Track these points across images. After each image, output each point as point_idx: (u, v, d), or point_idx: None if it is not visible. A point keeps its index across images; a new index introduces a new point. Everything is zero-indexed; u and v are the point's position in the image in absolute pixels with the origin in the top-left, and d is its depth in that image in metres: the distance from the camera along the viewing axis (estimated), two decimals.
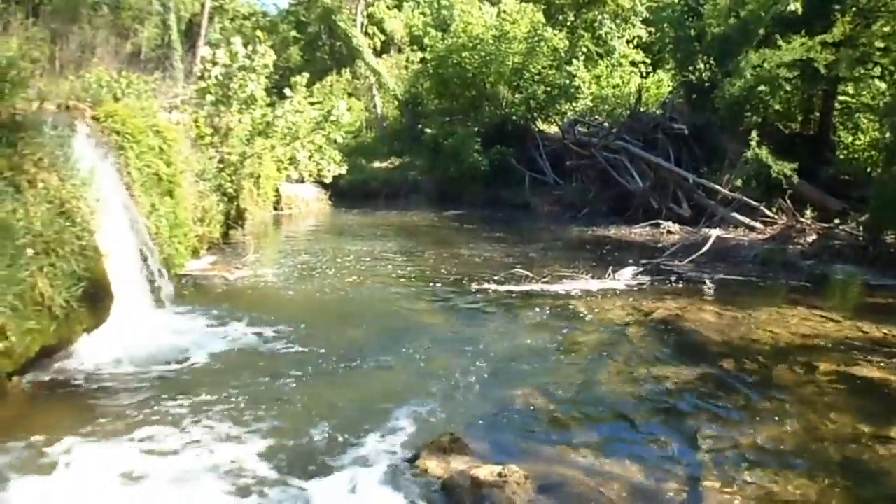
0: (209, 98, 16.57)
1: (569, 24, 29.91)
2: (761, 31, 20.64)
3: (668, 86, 27.67)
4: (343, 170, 21.51)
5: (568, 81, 27.60)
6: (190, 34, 32.29)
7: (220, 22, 38.18)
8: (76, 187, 8.02)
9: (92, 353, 8.24)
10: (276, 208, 23.00)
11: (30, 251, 6.95)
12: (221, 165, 15.77)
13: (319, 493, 5.61)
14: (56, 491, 5.56)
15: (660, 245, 17.51)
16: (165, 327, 9.36)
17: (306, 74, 20.16)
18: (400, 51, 39.96)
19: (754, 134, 19.39)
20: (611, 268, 13.60)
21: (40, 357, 7.41)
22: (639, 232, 19.90)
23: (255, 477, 5.82)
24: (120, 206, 9.43)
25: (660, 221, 20.22)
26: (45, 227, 7.29)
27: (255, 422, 6.78)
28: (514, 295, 12.01)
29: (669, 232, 19.51)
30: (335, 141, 20.49)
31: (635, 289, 12.54)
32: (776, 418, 7.13)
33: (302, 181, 23.67)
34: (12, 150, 7.27)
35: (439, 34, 30.40)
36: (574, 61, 27.86)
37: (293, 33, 44.61)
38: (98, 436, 6.41)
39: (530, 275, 13.01)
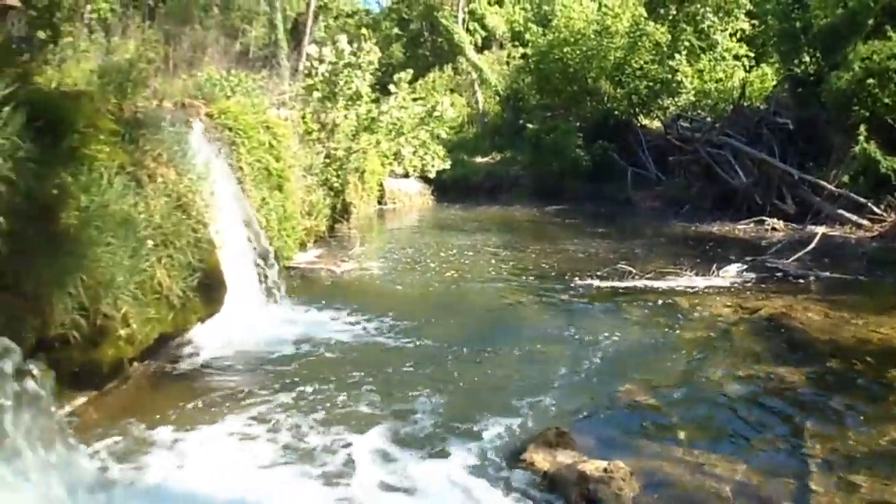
0: (316, 94, 16.87)
1: (671, 17, 29.27)
2: (870, 22, 19.80)
3: (773, 80, 26.81)
4: (447, 165, 21.61)
5: (670, 76, 27.05)
6: (295, 33, 32.94)
7: (324, 20, 38.81)
8: (192, 181, 8.28)
9: (205, 341, 8.57)
10: (380, 203, 23.27)
11: (150, 243, 7.21)
12: (328, 160, 16.02)
13: (426, 483, 5.66)
14: (169, 469, 5.79)
15: (764, 242, 17.03)
16: (275, 318, 9.62)
17: (410, 71, 20.31)
18: (501, 46, 39.87)
19: (862, 128, 18.58)
20: (715, 265, 13.30)
21: (158, 344, 7.69)
22: (742, 228, 19.39)
23: (360, 463, 5.93)
24: (232, 199, 9.69)
25: (764, 218, 19.63)
26: (164, 220, 7.55)
27: (362, 411, 6.91)
28: (617, 291, 11.89)
29: (774, 229, 18.93)
30: (439, 136, 20.58)
31: (739, 286, 12.24)
32: (888, 421, 6.85)
33: (406, 176, 23.87)
34: (134, 147, 7.54)
35: (540, 29, 30.24)
36: (676, 55, 27.26)
37: (395, 30, 44.95)
38: (209, 419, 6.67)
39: (633, 271, 12.82)
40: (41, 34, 7.04)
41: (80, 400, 6.68)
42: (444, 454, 6.09)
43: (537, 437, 6.18)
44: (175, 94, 10.16)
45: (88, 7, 15.95)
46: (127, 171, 7.18)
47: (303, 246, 13.49)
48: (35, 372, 5.27)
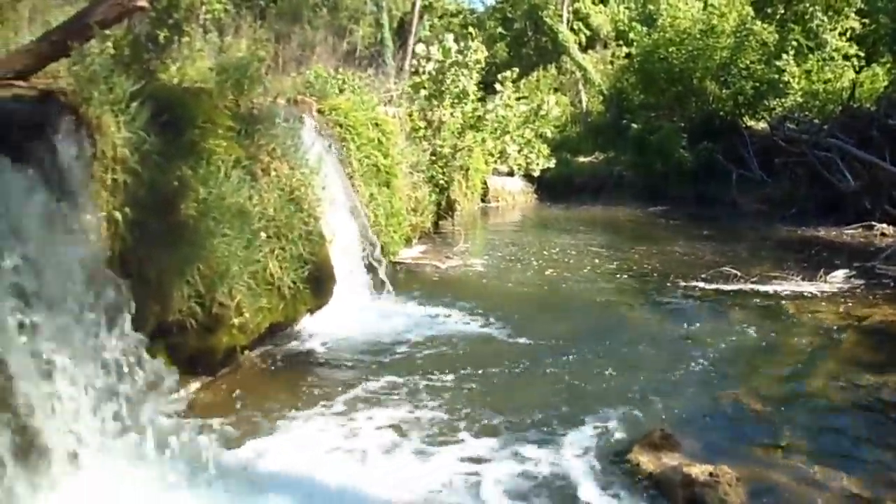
0: (423, 92, 16.95)
1: (778, 16, 28.37)
2: None
3: (884, 80, 25.66)
4: (551, 163, 21.44)
5: (777, 76, 26.19)
6: (401, 32, 33.24)
7: (429, 20, 39.07)
8: (304, 176, 8.44)
9: (314, 332, 8.75)
10: (483, 200, 23.28)
11: (263, 235, 7.40)
12: (434, 158, 16.11)
13: (530, 480, 5.64)
14: (278, 454, 5.92)
15: (872, 248, 16.32)
16: (382, 311, 9.73)
17: (516, 69, 20.22)
18: (605, 46, 39.35)
19: None
20: (822, 269, 12.81)
21: (269, 333, 7.90)
22: (850, 233, 18.62)
23: (460, 458, 5.95)
24: (342, 194, 9.83)
25: (873, 223, 18.79)
26: (277, 213, 7.73)
27: (464, 406, 6.92)
28: (722, 293, 11.58)
29: (883, 234, 18.10)
30: (543, 135, 20.46)
31: (847, 292, 11.77)
32: None
33: (511, 174, 23.81)
34: (250, 141, 7.73)
35: (645, 29, 29.72)
36: (783, 55, 26.37)
37: (499, 29, 44.85)
38: (317, 408, 6.79)
39: (739, 274, 12.48)
40: (164, 33, 7.22)
41: (195, 385, 6.90)
42: (546, 453, 6.05)
43: (642, 438, 6.10)
44: (285, 91, 10.32)
45: (203, 8, 16.42)
46: (243, 165, 7.38)
47: (408, 241, 13.60)
48: (157, 356, 5.45)
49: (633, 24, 32.15)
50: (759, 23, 26.84)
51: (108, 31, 6.62)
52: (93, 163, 5.67)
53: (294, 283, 7.82)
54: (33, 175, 5.18)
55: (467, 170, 19.06)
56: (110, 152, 5.75)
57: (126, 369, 5.30)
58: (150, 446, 5.29)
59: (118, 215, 5.69)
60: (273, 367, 7.77)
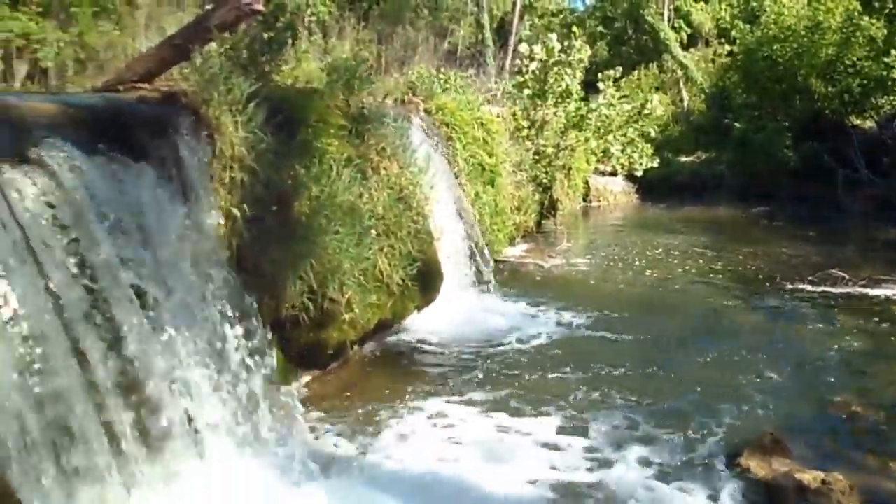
0: (526, 92, 16.82)
1: (887, 11, 27.12)
2: None
3: None
4: (655, 163, 21.04)
5: (885, 73, 25.06)
6: (501, 32, 33.12)
7: (529, 19, 38.82)
8: (413, 175, 8.50)
9: (421, 328, 8.82)
10: (584, 200, 22.99)
11: (373, 232, 7.47)
12: (537, 157, 16.01)
13: (635, 483, 5.56)
14: (384, 446, 6.01)
15: None
16: (487, 309, 9.73)
17: (619, 68, 19.92)
18: (707, 44, 38.41)
19: None
20: None
21: (377, 329, 7.99)
22: None
23: (562, 455, 5.94)
24: (449, 193, 9.83)
25: None
26: (386, 211, 7.80)
27: (568, 404, 6.88)
28: (829, 297, 11.15)
29: None
30: (647, 134, 20.10)
31: None
32: None
33: (613, 174, 23.47)
34: (360, 140, 7.82)
35: (748, 26, 28.84)
36: (893, 51, 25.25)
37: (599, 28, 44.28)
38: (424, 403, 6.86)
39: (846, 277, 11.96)
40: (278, 36, 7.34)
41: (305, 378, 7.02)
42: (652, 455, 5.97)
43: (752, 442, 5.94)
44: (394, 90, 10.39)
45: (309, 10, 16.66)
46: (354, 164, 7.47)
47: (511, 240, 13.56)
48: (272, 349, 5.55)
49: (736, 21, 31.30)
50: (866, 18, 25.74)
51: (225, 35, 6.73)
52: (212, 161, 5.80)
53: (403, 280, 7.88)
54: (157, 173, 5.32)
55: (569, 169, 18.86)
56: (228, 151, 5.89)
57: (246, 362, 5.39)
58: (266, 437, 5.38)
59: (236, 212, 5.83)
60: (381, 363, 7.87)
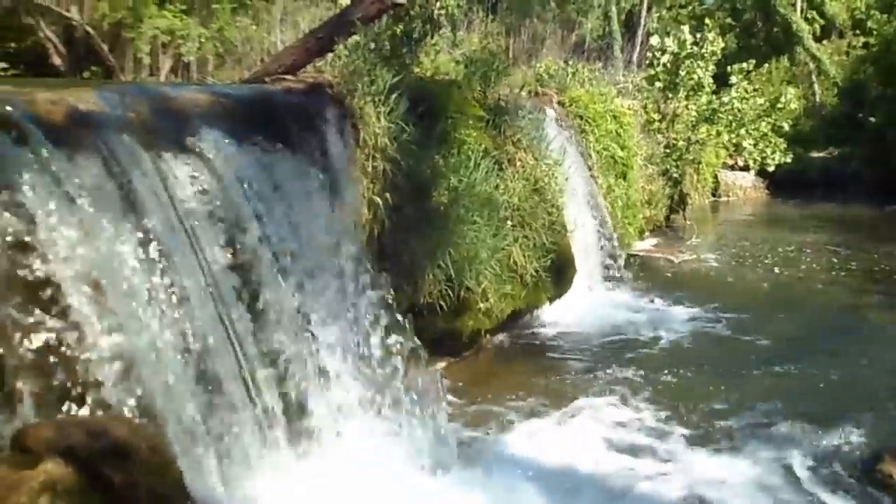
0: (657, 85, 16.42)
1: None
2: None
3: None
4: (788, 158, 20.21)
5: None
6: (629, 24, 32.52)
7: (657, 11, 37.97)
8: (548, 167, 8.42)
9: (552, 320, 8.74)
10: (713, 195, 22.33)
11: (509, 223, 7.41)
12: (668, 150, 15.59)
13: (768, 488, 5.34)
14: (514, 436, 5.97)
15: None
16: (617, 303, 9.60)
17: (752, 61, 19.24)
18: (841, 35, 36.67)
19: None
20: None
21: (510, 319, 7.93)
22: None
23: (695, 457, 5.75)
24: (582, 185, 9.70)
25: None
26: (522, 202, 7.77)
27: (697, 402, 6.67)
28: None
29: None
30: (779, 129, 19.34)
31: None
32: None
33: (745, 169, 22.69)
34: (496, 132, 7.78)
35: (885, 17, 27.36)
36: None
37: (728, 20, 42.88)
38: (554, 394, 6.77)
39: None
40: (420, 28, 7.37)
41: (440, 365, 7.01)
42: (788, 458, 5.72)
43: (893, 449, 5.60)
44: (529, 83, 10.29)
45: (438, 3, 16.68)
46: (490, 155, 7.43)
47: (641, 234, 13.27)
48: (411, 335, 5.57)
49: (872, 11, 29.77)
50: None
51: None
52: (356, 151, 5.86)
53: (536, 271, 7.82)
54: (304, 161, 5.40)
55: (699, 163, 18.33)
56: (371, 141, 5.95)
57: (386, 347, 5.43)
58: (403, 422, 5.40)
59: (378, 201, 5.87)
60: (513, 353, 7.85)
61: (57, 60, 10.80)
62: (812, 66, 33.60)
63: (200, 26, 12.19)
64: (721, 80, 18.31)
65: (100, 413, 3.81)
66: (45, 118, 4.14)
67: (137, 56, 11.61)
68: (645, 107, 15.87)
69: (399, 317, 5.62)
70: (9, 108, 3.94)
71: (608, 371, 7.36)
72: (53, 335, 3.76)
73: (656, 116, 15.99)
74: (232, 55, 13.29)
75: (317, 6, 14.47)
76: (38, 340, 3.72)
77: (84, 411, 3.80)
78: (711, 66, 16.94)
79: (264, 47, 13.55)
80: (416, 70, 7.47)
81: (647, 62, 17.71)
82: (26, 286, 3.71)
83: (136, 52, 11.50)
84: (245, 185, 4.94)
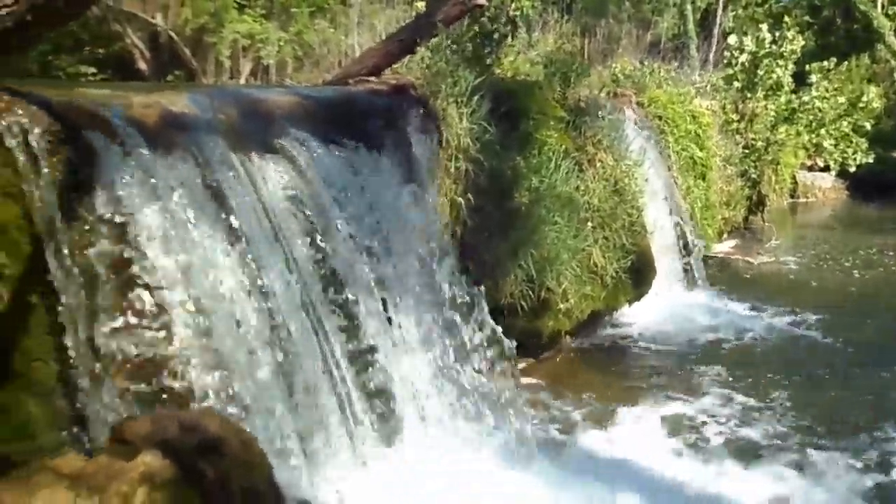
0: (735, 84, 16.06)
1: None
2: None
3: None
4: (870, 159, 19.58)
5: None
6: (704, 23, 31.93)
7: (733, 10, 37.19)
8: (628, 167, 8.30)
9: (631, 321, 8.64)
10: (792, 196, 21.76)
11: (589, 224, 7.32)
12: (746, 151, 15.22)
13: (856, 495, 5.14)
14: (593, 438, 5.88)
15: None
16: (697, 305, 9.43)
17: (833, 59, 18.71)
18: None
19: None
20: None
21: (589, 320, 7.84)
22: None
23: (770, 464, 5.56)
24: (662, 186, 9.55)
25: None
26: (602, 203, 7.69)
27: (774, 407, 6.51)
28: None
29: None
30: (860, 128, 18.75)
31: None
32: None
33: (825, 169, 22.06)
34: (577, 133, 7.71)
35: None
36: None
37: (806, 18, 41.76)
38: (632, 397, 6.68)
39: None
40: (500, 29, 7.32)
41: (520, 366, 6.91)
42: (867, 463, 5.54)
43: None
44: (607, 83, 10.15)
45: (513, 4, 16.58)
46: (571, 156, 7.36)
47: (720, 235, 12.99)
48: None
49: None
50: None
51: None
52: (439, 151, 5.84)
53: (616, 272, 7.71)
54: (388, 161, 5.41)
55: (778, 164, 17.86)
56: (454, 142, 5.94)
57: (470, 345, 5.42)
58: (487, 418, 5.37)
59: (460, 201, 5.84)
60: (592, 354, 7.78)
61: (142, 65, 11.08)
62: (894, 63, 32.55)
63: (279, 30, 12.37)
64: (800, 80, 17.85)
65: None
66: (140, 121, 4.21)
67: (219, 60, 11.84)
68: (723, 107, 15.54)
69: (483, 316, 5.60)
70: (107, 112, 4.00)
71: (687, 373, 7.25)
72: (145, 330, 3.83)
73: (735, 117, 15.65)
74: (310, 58, 13.43)
75: (393, 8, 14.55)
76: (129, 334, 3.78)
77: (176, 406, 3.84)
78: (790, 65, 16.51)
79: (341, 50, 13.67)
80: (497, 71, 7.40)
81: (725, 62, 17.36)
82: (123, 284, 3.78)
83: (217, 55, 11.74)
84: (331, 186, 4.97)
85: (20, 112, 3.60)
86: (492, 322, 5.66)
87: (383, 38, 12.61)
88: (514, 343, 6.13)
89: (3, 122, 3.49)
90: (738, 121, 15.62)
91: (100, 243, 3.74)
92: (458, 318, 5.44)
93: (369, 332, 4.88)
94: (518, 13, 8.29)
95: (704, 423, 6.18)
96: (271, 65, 12.65)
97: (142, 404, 3.75)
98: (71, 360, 3.57)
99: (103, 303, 3.72)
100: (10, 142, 3.47)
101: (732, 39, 17.15)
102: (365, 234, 5.04)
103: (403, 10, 14.29)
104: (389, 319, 5.03)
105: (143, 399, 3.76)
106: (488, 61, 6.96)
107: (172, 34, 11.15)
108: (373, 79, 6.63)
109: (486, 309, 5.75)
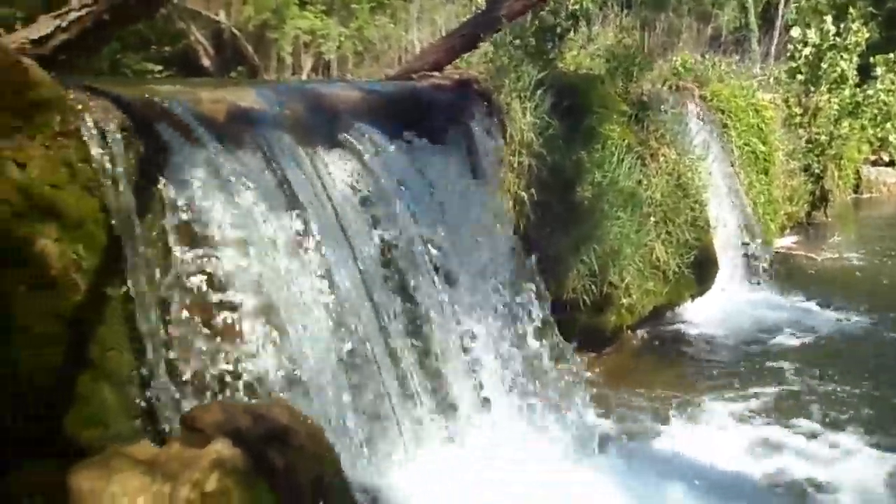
0: (798, 78, 15.70)
1: None
2: None
3: None
4: None
5: None
6: (766, 16, 31.30)
7: (795, 2, 36.39)
8: (691, 162, 8.16)
9: (693, 317, 8.48)
10: (855, 191, 21.21)
11: (652, 219, 7.23)
12: (809, 145, 14.88)
13: None
14: (655, 435, 5.77)
15: None
16: (760, 301, 9.25)
17: None
18: None
19: None
20: None
21: (651, 316, 7.74)
22: None
23: (833, 458, 5.46)
24: (724, 181, 9.39)
25: None
26: (665, 198, 7.60)
27: (846, 404, 6.34)
28: None
29: None
30: None
31: None
32: None
33: (891, 164, 21.46)
34: (639, 127, 7.63)
35: None
36: None
37: (870, 9, 40.61)
38: (695, 394, 6.54)
39: None
40: (563, 23, 7.25)
41: (582, 359, 6.84)
42: None
43: None
44: (668, 77, 9.97)
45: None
46: (634, 150, 7.26)
47: (782, 231, 12.71)
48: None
49: None
50: None
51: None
52: (502, 146, 5.80)
53: (679, 267, 7.59)
54: (452, 156, 5.39)
55: (841, 159, 17.42)
56: (518, 136, 5.91)
57: (533, 339, 5.38)
58: (547, 413, 5.32)
59: (524, 195, 5.80)
60: (654, 350, 7.67)
61: (206, 62, 11.23)
62: None
63: (340, 26, 12.44)
64: (865, 72, 17.40)
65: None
66: (210, 116, 4.26)
67: (280, 55, 11.95)
68: (786, 100, 15.20)
69: (547, 310, 5.57)
70: (178, 107, 4.05)
71: (752, 370, 7.10)
72: (215, 321, 3.87)
73: (798, 111, 15.31)
74: (370, 53, 13.48)
75: (453, 3, 14.52)
76: (199, 325, 3.83)
77: (245, 396, 3.87)
78: (855, 58, 16.10)
79: (401, 45, 13.69)
80: (560, 65, 7.33)
81: (788, 54, 17.00)
82: (194, 276, 3.82)
83: (279, 51, 11.85)
84: (396, 180, 4.98)
85: (97, 109, 3.66)
86: (552, 316, 5.62)
87: (443, 33, 12.63)
88: (577, 337, 6.10)
89: (82, 119, 3.54)
90: (802, 115, 15.29)
91: (172, 236, 3.79)
92: (521, 312, 5.42)
93: (432, 321, 4.88)
94: (577, 6, 8.20)
95: (770, 420, 6.03)
96: (332, 60, 12.72)
97: (212, 394, 3.79)
98: (144, 351, 3.61)
99: (175, 295, 3.77)
100: (88, 137, 3.52)
101: (795, 32, 16.76)
102: (429, 227, 5.04)
103: (463, 5, 14.25)
104: (453, 310, 5.02)
105: (213, 389, 3.81)
106: (551, 56, 6.89)
107: (235, 31, 11.29)
108: (436, 74, 6.62)
109: (548, 302, 5.71)
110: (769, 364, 7.21)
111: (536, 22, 7.20)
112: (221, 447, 3.05)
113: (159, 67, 10.20)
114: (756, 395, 6.47)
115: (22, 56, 3.50)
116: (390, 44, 13.58)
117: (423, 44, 13.44)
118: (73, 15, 3.95)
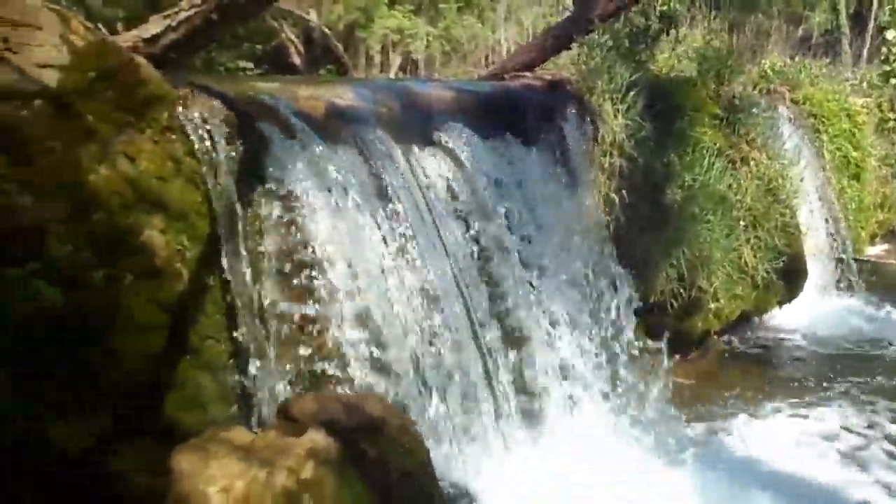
0: (892, 81, 15.08)
1: None
2: None
3: None
4: None
5: None
6: (858, 18, 30.21)
7: (889, 3, 35.03)
8: (782, 167, 7.91)
9: (780, 324, 8.21)
10: None
11: (741, 223, 7.01)
12: None
13: None
14: (735, 442, 5.58)
15: None
16: (851, 309, 8.88)
17: None
18: None
19: None
20: None
21: (738, 321, 7.56)
22: None
23: None
24: (815, 186, 9.06)
25: None
26: (755, 202, 7.40)
27: None
28: None
29: None
30: None
31: None
32: None
33: None
34: (730, 130, 7.44)
35: None
36: None
37: None
38: (779, 403, 6.29)
39: None
40: (656, 25, 7.08)
41: (669, 363, 6.70)
42: None
43: None
44: (759, 80, 9.68)
45: (660, 0, 16.10)
46: (724, 154, 7.08)
47: (873, 238, 12.22)
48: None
49: None
50: None
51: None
52: (594, 147, 5.70)
53: (767, 273, 7.35)
54: (544, 156, 5.33)
55: None
56: (609, 138, 5.82)
57: (623, 341, 5.28)
58: (633, 416, 5.24)
59: (614, 197, 5.70)
60: (740, 356, 7.45)
61: (296, 60, 11.37)
62: None
63: (428, 25, 12.46)
64: None
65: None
66: (308, 113, 4.28)
67: (369, 54, 12.05)
68: (879, 105, 14.61)
69: (632, 312, 5.46)
70: (278, 104, 4.08)
71: (843, 380, 6.80)
72: (312, 314, 3.88)
73: (892, 115, 14.70)
74: (457, 53, 13.47)
75: (539, 4, 14.42)
76: (296, 318, 3.85)
77: (339, 388, 3.88)
78: None
79: (489, 45, 13.65)
80: (651, 67, 7.17)
81: (881, 58, 16.38)
82: (293, 268, 3.84)
83: (367, 50, 11.94)
84: (489, 178, 4.95)
85: (201, 104, 3.71)
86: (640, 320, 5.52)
87: (530, 33, 12.52)
88: (664, 341, 5.95)
89: (187, 114, 3.59)
90: (895, 120, 14.70)
91: (271, 229, 3.82)
92: (609, 313, 5.32)
93: (521, 320, 4.85)
94: (665, 8, 8.03)
95: (860, 432, 5.79)
96: (420, 59, 12.76)
97: (307, 384, 3.81)
98: (241, 340, 3.64)
99: (273, 287, 3.80)
100: (193, 132, 3.57)
101: (890, 35, 16.17)
102: (522, 226, 5.02)
103: (550, 5, 14.14)
104: (542, 310, 4.96)
105: (308, 379, 3.82)
106: (643, 58, 6.73)
107: (325, 29, 11.40)
108: (527, 74, 6.56)
109: (635, 305, 5.60)
110: (862, 376, 6.88)
111: (628, 24, 7.06)
112: (316, 436, 3.08)
113: (251, 65, 10.36)
114: (846, 406, 6.21)
115: (134, 55, 3.57)
116: (477, 43, 13.56)
117: (510, 44, 13.40)
118: (183, 15, 4.02)
